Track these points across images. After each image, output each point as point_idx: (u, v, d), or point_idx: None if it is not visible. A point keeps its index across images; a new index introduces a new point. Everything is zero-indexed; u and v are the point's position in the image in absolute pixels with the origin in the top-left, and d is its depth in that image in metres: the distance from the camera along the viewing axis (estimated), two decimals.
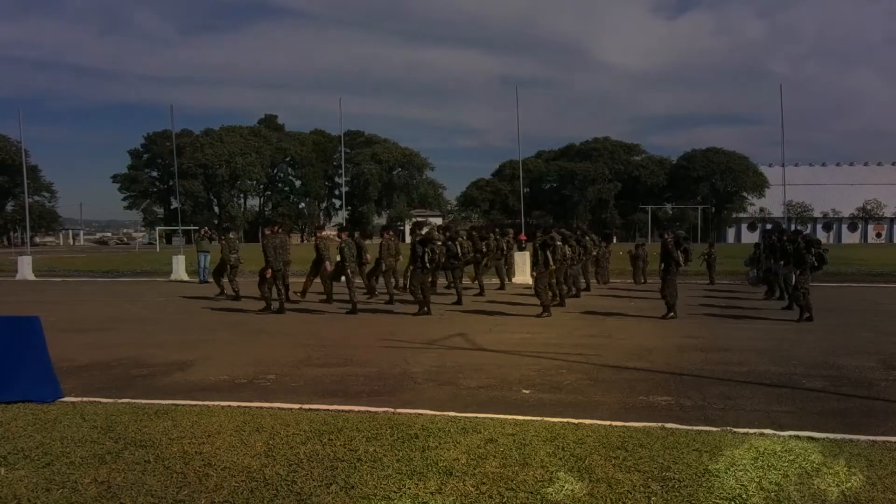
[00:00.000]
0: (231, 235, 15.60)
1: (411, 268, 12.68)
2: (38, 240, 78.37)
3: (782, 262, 13.41)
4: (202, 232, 22.63)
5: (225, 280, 15.20)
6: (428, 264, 12.13)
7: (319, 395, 6.16)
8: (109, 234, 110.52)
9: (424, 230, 13.68)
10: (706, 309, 13.01)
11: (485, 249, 15.70)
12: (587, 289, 16.16)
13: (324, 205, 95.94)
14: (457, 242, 13.52)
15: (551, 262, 11.78)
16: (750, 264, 18.49)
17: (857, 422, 5.26)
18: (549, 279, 12.29)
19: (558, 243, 12.09)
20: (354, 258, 12.92)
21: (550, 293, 12.40)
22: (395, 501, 3.63)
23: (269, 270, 12.07)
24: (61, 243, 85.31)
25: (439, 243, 12.84)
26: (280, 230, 12.98)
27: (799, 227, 16.33)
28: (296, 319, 11.95)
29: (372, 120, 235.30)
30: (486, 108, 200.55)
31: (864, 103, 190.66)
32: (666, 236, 11.73)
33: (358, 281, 13.60)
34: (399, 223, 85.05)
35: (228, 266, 14.68)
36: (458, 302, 13.60)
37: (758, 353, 8.28)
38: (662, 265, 11.56)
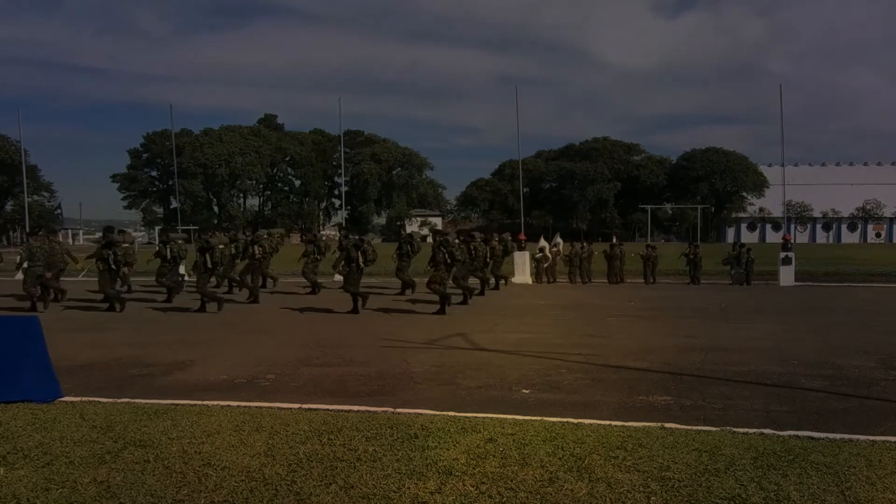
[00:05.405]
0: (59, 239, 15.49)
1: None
2: None
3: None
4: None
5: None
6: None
7: (319, 394, 6.16)
8: None
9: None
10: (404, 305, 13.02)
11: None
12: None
13: (323, 204, 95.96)
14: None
15: (209, 264, 12.80)
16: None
17: (857, 422, 5.26)
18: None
19: (219, 246, 13.29)
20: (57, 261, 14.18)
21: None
22: (395, 501, 3.62)
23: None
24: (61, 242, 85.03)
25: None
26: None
27: (475, 233, 17.07)
28: (296, 319, 11.95)
29: (372, 120, 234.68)
30: (486, 108, 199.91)
31: (864, 103, 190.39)
32: (349, 237, 13.52)
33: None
34: (399, 222, 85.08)
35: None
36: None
37: (758, 353, 8.28)
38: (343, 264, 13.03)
